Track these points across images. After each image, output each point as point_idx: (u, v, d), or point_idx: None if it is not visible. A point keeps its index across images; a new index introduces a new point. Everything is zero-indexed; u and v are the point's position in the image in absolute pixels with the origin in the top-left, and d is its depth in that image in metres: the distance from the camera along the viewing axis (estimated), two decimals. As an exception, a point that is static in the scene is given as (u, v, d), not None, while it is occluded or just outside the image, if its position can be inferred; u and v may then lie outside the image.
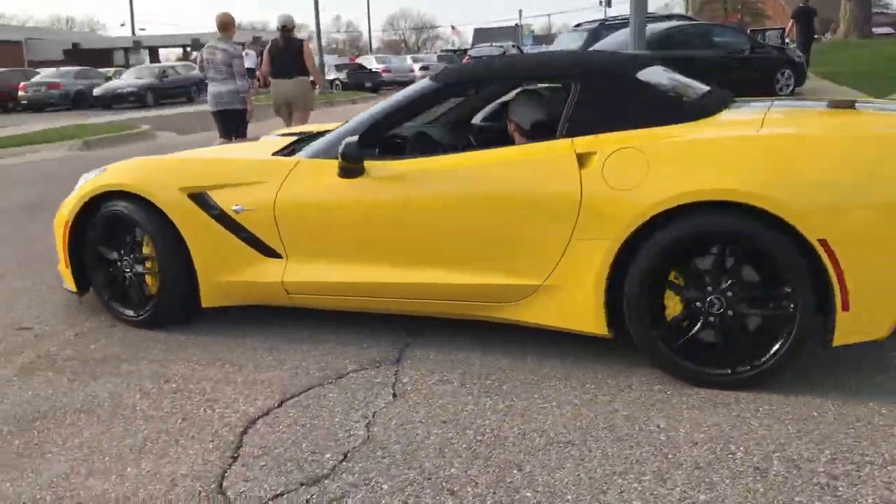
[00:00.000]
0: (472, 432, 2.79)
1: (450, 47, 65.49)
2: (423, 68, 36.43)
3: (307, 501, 2.42)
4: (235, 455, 2.72)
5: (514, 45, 37.28)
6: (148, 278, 4.02)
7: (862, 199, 2.81)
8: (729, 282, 2.99)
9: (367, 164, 3.54)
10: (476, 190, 3.33)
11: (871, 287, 2.82)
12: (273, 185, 3.69)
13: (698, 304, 3.04)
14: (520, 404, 2.99)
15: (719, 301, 3.00)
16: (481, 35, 74.69)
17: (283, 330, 3.87)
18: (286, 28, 8.96)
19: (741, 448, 2.59)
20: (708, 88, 3.78)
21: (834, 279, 2.82)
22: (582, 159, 3.19)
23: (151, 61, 51.44)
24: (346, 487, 2.48)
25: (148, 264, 4.00)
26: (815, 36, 20.18)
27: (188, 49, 52.17)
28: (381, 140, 3.85)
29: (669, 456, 2.57)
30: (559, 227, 3.18)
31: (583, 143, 3.23)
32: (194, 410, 3.07)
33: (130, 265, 4.05)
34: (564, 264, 3.21)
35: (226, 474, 2.59)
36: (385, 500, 2.40)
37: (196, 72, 23.12)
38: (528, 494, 2.40)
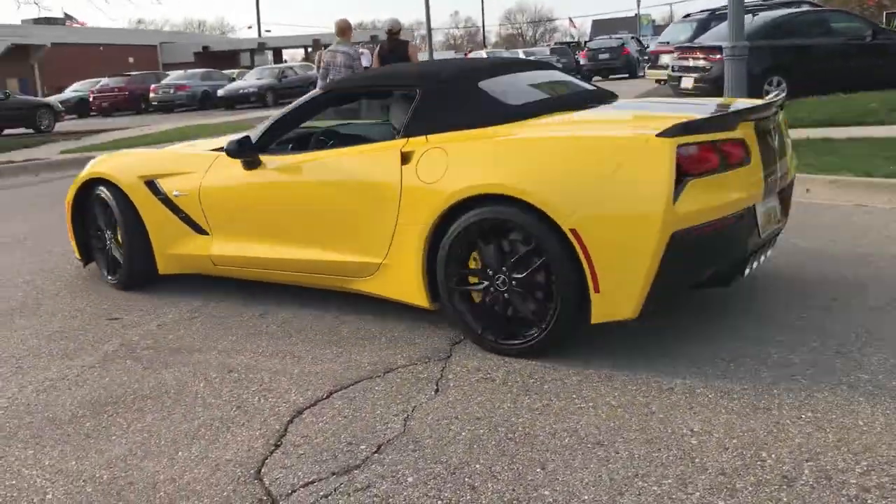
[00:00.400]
0: (503, 429, 2.83)
1: (566, 40, 64.75)
2: (535, 62, 36.22)
3: (335, 490, 2.53)
4: (279, 443, 2.86)
5: (632, 37, 36.28)
6: (119, 251, 4.93)
7: (606, 194, 3.16)
8: (510, 264, 3.41)
9: (264, 157, 4.27)
10: (331, 181, 3.98)
11: (616, 272, 3.16)
12: (200, 175, 4.52)
13: (489, 281, 3.48)
14: (557, 404, 3.00)
15: (503, 280, 3.44)
16: (599, 27, 73.62)
17: (348, 323, 4.02)
18: (392, 31, 9.45)
19: (773, 455, 2.53)
20: (573, 91, 4.31)
21: (585, 264, 3.19)
22: (405, 157, 3.73)
23: (275, 62, 53.37)
24: (373, 478, 2.58)
25: (118, 240, 4.89)
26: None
27: (309, 49, 53.84)
28: (275, 138, 4.45)
29: (696, 460, 2.54)
30: (388, 214, 3.74)
31: (411, 142, 3.76)
32: (249, 399, 3.25)
33: (109, 238, 4.98)
34: (395, 246, 3.75)
35: (266, 461, 2.74)
36: (407, 492, 2.49)
37: (313, 72, 23.83)
38: (546, 493, 2.43)
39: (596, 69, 29.58)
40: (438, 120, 3.76)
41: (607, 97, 4.33)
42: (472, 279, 3.56)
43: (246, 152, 4.24)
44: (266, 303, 4.46)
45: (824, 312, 3.74)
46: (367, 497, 2.48)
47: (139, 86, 29.83)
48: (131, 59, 46.62)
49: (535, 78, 4.38)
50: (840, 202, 6.09)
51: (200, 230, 4.55)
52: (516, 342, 3.43)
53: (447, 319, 3.88)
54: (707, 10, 16.41)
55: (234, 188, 4.35)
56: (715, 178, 3.19)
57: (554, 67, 4.84)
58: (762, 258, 3.69)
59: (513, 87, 4.03)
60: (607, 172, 3.18)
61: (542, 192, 3.24)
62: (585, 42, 42.63)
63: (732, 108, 3.50)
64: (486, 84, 3.91)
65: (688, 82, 12.94)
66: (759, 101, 3.66)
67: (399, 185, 3.69)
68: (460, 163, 3.53)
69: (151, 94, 28.83)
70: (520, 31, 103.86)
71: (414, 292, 3.73)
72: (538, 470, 2.56)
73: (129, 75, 31.45)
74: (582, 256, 3.18)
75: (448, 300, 3.62)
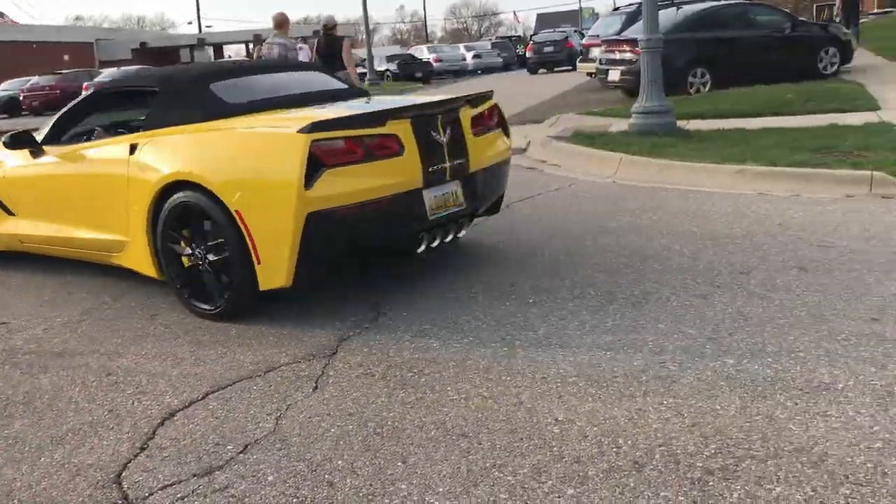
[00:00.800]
0: (373, 424, 2.83)
1: (511, 34, 65.01)
2: (476, 56, 36.39)
3: (192, 492, 2.50)
4: (145, 446, 2.82)
5: (575, 30, 36.41)
6: None
7: (259, 181, 3.72)
8: (204, 240, 3.95)
9: (48, 148, 4.87)
10: (88, 168, 4.57)
11: (269, 247, 3.70)
12: (2, 164, 5.17)
13: (190, 253, 4.04)
14: (431, 397, 3.01)
15: (199, 254, 3.99)
16: (543, 20, 73.96)
17: (240, 323, 3.95)
18: (327, 27, 9.57)
19: (629, 442, 2.57)
20: (311, 91, 4.76)
21: (248, 240, 3.73)
22: (132, 149, 4.28)
23: (216, 58, 52.56)
24: (233, 478, 2.56)
25: None
26: (861, 10, 19.26)
27: (250, 45, 53.13)
28: (60, 132, 5.01)
29: (555, 449, 2.57)
30: (122, 198, 4.29)
31: (142, 136, 4.32)
32: (123, 402, 3.19)
33: None
34: (130, 225, 4.29)
35: (128, 465, 2.70)
36: (265, 492, 2.47)
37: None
38: (403, 486, 2.43)
39: (541, 62, 29.78)
40: (169, 116, 4.32)
41: (351, 96, 4.85)
42: (183, 245, 4.06)
43: (17, 145, 4.91)
44: (159, 304, 4.39)
45: (706, 299, 3.81)
46: (224, 497, 2.45)
47: (71, 84, 29.09)
48: (66, 57, 45.45)
49: (284, 80, 4.93)
50: (745, 191, 6.21)
51: (9, 212, 5.20)
52: (205, 306, 4.02)
53: (338, 316, 3.88)
54: (635, 3, 16.60)
55: (25, 176, 5.02)
56: (357, 167, 3.73)
57: (320, 71, 5.55)
58: (450, 236, 4.31)
59: (248, 88, 4.54)
60: (260, 163, 3.76)
61: (215, 179, 3.80)
62: (531, 36, 42.82)
63: (388, 107, 4.00)
64: (217, 85, 4.45)
65: (615, 75, 13.10)
66: (422, 100, 4.21)
67: (127, 173, 4.25)
68: (166, 154, 4.11)
69: (83, 93, 28.07)
70: (465, 25, 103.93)
71: (149, 265, 4.29)
72: (399, 464, 2.56)
73: (60, 73, 30.71)
74: (245, 233, 3.72)
75: (166, 268, 4.17)
